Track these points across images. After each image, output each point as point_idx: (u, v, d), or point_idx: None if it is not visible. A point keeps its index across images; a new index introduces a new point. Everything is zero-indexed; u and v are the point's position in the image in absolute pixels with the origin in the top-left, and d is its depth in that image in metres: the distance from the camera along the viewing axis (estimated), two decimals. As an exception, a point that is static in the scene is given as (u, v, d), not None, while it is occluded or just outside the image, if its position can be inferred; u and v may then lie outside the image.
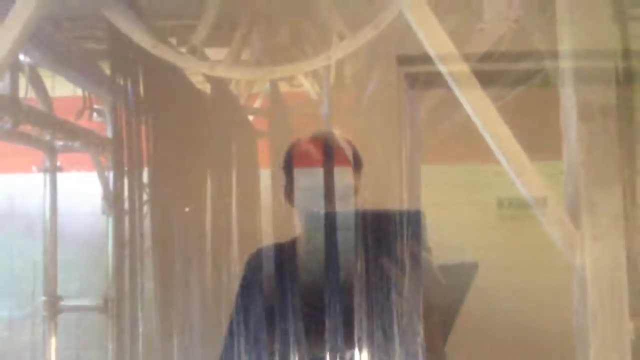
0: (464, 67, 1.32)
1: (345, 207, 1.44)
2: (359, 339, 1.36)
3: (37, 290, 3.45)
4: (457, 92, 1.32)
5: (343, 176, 1.44)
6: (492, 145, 1.30)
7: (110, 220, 3.14)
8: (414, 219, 1.35)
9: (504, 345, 2.77)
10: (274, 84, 2.06)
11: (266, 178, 2.27)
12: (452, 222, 2.41)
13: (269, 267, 1.47)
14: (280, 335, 1.41)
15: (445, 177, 2.44)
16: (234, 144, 2.38)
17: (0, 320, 3.38)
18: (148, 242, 2.36)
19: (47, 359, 3.00)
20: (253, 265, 1.51)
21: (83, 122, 2.95)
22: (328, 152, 1.46)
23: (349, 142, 1.48)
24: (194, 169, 2.53)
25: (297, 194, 1.48)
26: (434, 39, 1.32)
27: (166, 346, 2.42)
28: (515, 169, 1.29)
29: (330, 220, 1.42)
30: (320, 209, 1.44)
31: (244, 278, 1.53)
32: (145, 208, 2.55)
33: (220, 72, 1.75)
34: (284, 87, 2.85)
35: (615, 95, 1.26)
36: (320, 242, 1.39)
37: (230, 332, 1.48)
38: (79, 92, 2.96)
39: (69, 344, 3.19)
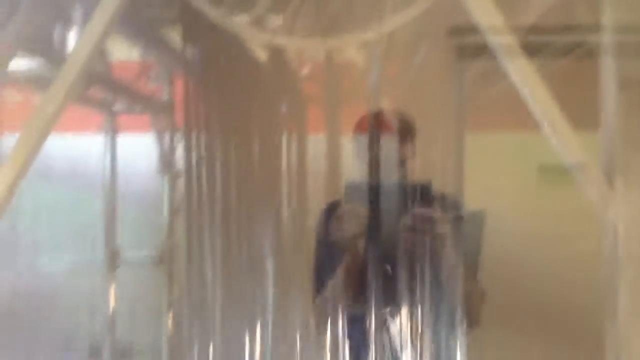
0: (511, 39, 1.43)
1: (390, 175, 1.60)
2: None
3: (96, 244, 3.69)
4: (504, 62, 1.43)
5: (389, 145, 1.59)
6: (536, 113, 1.42)
7: (165, 179, 3.34)
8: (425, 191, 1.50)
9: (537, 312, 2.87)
10: (328, 52, 2.19)
11: (319, 143, 2.41)
12: (494, 188, 2.53)
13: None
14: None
15: (486, 144, 2.54)
16: (286, 110, 2.52)
17: (63, 270, 3.63)
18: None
19: (107, 307, 3.25)
20: (325, 218, 1.68)
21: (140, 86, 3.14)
22: (376, 122, 1.62)
23: (401, 115, 1.63)
24: (248, 133, 2.67)
25: (354, 160, 1.67)
26: (483, 10, 1.43)
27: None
28: (557, 135, 1.41)
29: (368, 190, 1.58)
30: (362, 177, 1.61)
31: (319, 230, 1.71)
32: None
33: (281, 41, 1.89)
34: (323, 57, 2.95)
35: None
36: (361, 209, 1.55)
37: (317, 276, 1.66)
38: (133, 56, 3.14)
39: (125, 294, 3.41)
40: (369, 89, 2.84)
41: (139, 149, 3.66)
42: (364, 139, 1.61)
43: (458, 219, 1.65)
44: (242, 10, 2.21)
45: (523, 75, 1.42)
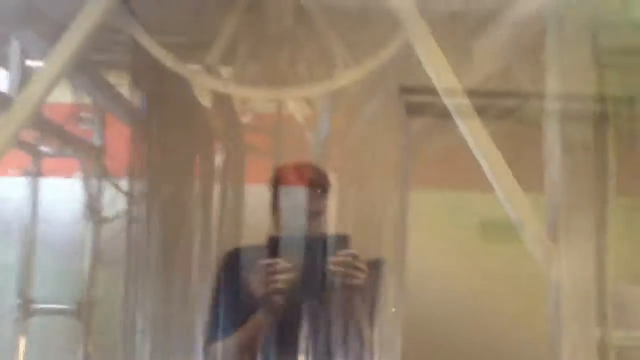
0: (464, 99, 1.51)
1: (313, 223, 1.62)
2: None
3: (6, 295, 3.46)
4: (457, 121, 1.50)
5: (311, 198, 1.62)
6: (487, 171, 1.49)
7: (90, 226, 3.21)
8: (343, 243, 1.54)
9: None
10: (280, 104, 2.22)
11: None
12: (437, 245, 2.59)
13: (241, 265, 1.61)
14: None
15: (430, 202, 2.62)
16: (228, 159, 2.52)
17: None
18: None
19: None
20: (226, 264, 1.66)
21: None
22: (301, 177, 1.64)
23: (318, 169, 1.66)
24: (184, 181, 2.64)
25: (273, 209, 1.67)
26: (441, 73, 1.50)
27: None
28: (506, 193, 1.48)
29: (292, 243, 1.60)
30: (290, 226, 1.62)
31: (219, 275, 1.67)
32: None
33: (233, 91, 1.90)
34: (268, 109, 3.00)
35: (592, 133, 1.47)
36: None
37: (210, 323, 1.62)
38: (66, 99, 3.05)
39: (38, 348, 3.20)
40: (314, 142, 2.89)
41: (63, 194, 3.51)
42: (285, 191, 1.61)
43: (378, 265, 1.67)
44: (193, 60, 2.22)
45: (476, 135, 1.49)
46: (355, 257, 1.52)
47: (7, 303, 3.30)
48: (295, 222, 1.62)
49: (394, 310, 1.78)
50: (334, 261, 1.51)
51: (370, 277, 1.55)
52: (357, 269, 1.51)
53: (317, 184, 1.64)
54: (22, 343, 3.05)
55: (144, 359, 2.35)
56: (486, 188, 1.55)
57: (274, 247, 1.60)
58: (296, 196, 1.64)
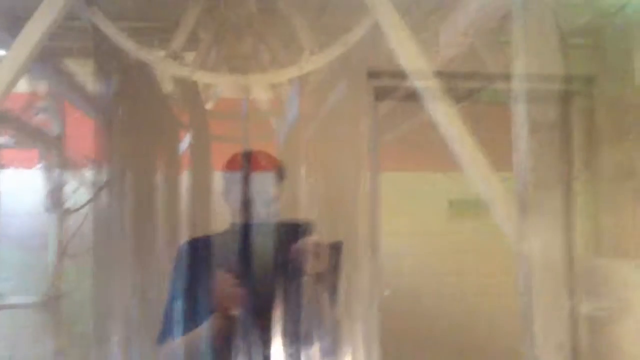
0: (433, 81, 1.53)
1: (266, 210, 1.62)
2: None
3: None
4: (426, 103, 1.52)
5: (265, 183, 1.63)
6: (456, 151, 1.51)
7: (53, 218, 3.15)
8: (304, 230, 1.56)
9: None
10: (247, 91, 2.19)
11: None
12: (407, 225, 2.63)
13: (198, 255, 1.61)
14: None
15: (399, 183, 2.65)
16: (193, 145, 2.50)
17: None
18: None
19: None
20: (183, 254, 1.65)
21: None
22: (252, 163, 1.64)
23: (274, 158, 1.66)
24: (149, 169, 2.61)
25: (226, 196, 1.66)
26: (410, 55, 1.52)
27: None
28: (475, 172, 1.51)
29: (244, 229, 1.60)
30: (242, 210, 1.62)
31: (175, 266, 1.66)
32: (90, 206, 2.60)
33: (200, 77, 1.88)
34: (232, 94, 2.98)
35: (557, 112, 1.51)
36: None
37: (166, 314, 1.62)
38: (22, 88, 2.97)
39: (7, 341, 3.15)
40: (279, 127, 2.88)
41: (23, 185, 3.43)
42: (238, 177, 1.61)
43: (337, 246, 1.68)
44: (156, 46, 2.19)
45: (445, 117, 1.51)
46: (317, 244, 1.52)
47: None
48: (247, 208, 1.61)
49: (387, 293, 1.80)
50: (296, 249, 1.51)
51: (331, 260, 1.56)
52: (319, 256, 1.52)
53: (269, 170, 1.64)
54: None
55: (115, 349, 2.33)
56: (453, 168, 1.58)
57: (232, 235, 1.59)
58: (248, 182, 1.63)
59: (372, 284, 1.81)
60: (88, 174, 2.98)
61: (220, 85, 2.63)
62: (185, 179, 2.77)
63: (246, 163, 1.64)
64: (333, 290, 1.59)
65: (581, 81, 1.60)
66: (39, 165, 3.12)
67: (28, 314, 3.14)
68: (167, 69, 1.84)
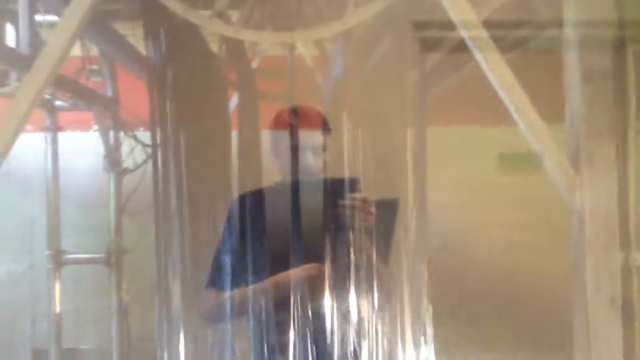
0: (482, 30, 1.49)
1: (314, 164, 1.63)
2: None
3: (34, 246, 3.57)
4: (476, 55, 1.49)
5: (312, 137, 1.64)
6: (507, 103, 1.49)
7: (111, 177, 3.26)
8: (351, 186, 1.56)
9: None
10: (292, 48, 2.19)
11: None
12: (455, 180, 2.61)
13: (250, 208, 1.65)
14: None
15: (447, 138, 2.62)
16: (241, 104, 2.52)
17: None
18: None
19: (52, 309, 3.14)
20: (236, 207, 1.69)
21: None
22: (297, 118, 1.65)
23: (319, 112, 1.67)
24: (201, 129, 2.65)
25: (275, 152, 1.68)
26: (458, 6, 1.48)
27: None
28: (527, 124, 1.49)
29: (293, 184, 1.62)
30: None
31: (228, 218, 1.71)
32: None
33: (245, 36, 1.89)
34: (277, 51, 2.98)
35: (611, 60, 1.46)
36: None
37: (216, 264, 1.67)
38: (75, 52, 3.04)
39: (69, 296, 3.32)
40: (329, 83, 2.88)
41: (81, 148, 3.56)
42: (285, 133, 1.62)
43: (393, 203, 1.68)
44: (201, 6, 2.20)
45: (495, 68, 1.48)
46: (364, 200, 1.54)
47: (38, 254, 3.41)
48: (295, 163, 1.64)
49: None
50: (344, 204, 1.53)
51: (385, 215, 1.57)
52: (367, 212, 1.53)
53: (315, 124, 1.65)
54: (57, 291, 3.16)
55: (177, 304, 2.43)
56: (503, 121, 1.55)
57: (281, 190, 1.63)
58: (295, 137, 1.65)
59: (420, 236, 1.82)
60: (142, 134, 3.07)
61: (265, 43, 2.63)
62: (234, 137, 2.81)
63: (293, 119, 1.66)
64: (385, 245, 1.61)
65: (636, 27, 1.53)
66: (95, 127, 3.21)
67: (91, 270, 3.30)
68: (213, 28, 1.85)
